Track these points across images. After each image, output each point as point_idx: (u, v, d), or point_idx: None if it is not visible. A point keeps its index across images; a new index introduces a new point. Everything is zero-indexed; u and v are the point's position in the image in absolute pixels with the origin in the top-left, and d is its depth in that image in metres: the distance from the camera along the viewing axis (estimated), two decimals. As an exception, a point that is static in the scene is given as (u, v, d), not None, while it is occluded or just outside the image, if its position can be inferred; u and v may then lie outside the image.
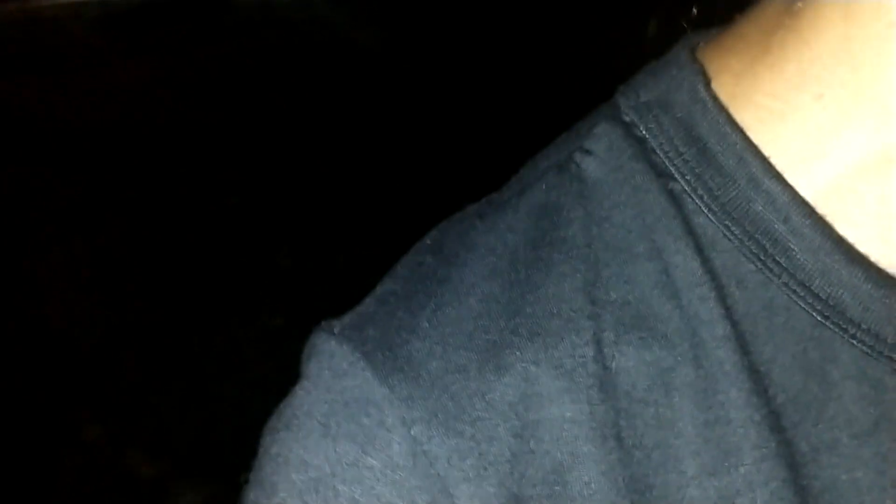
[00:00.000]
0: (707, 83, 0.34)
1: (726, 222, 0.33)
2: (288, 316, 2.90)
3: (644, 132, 0.35)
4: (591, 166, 0.35)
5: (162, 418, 2.50)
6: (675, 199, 0.33)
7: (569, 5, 5.35)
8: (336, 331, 0.33)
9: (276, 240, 3.35)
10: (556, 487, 0.30)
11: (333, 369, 0.32)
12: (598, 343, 0.32)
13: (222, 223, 3.49)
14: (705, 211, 0.33)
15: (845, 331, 0.32)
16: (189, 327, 2.87)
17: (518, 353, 0.31)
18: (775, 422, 0.31)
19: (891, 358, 0.32)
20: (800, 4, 0.32)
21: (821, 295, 0.32)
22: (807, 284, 0.32)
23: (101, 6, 6.20)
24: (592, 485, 0.30)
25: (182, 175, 3.86)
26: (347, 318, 0.34)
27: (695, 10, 0.39)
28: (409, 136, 4.15)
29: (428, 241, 0.36)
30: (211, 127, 4.32)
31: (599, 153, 0.35)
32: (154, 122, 4.40)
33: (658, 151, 0.34)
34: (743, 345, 0.32)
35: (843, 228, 0.32)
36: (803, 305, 0.32)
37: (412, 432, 0.31)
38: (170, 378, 2.65)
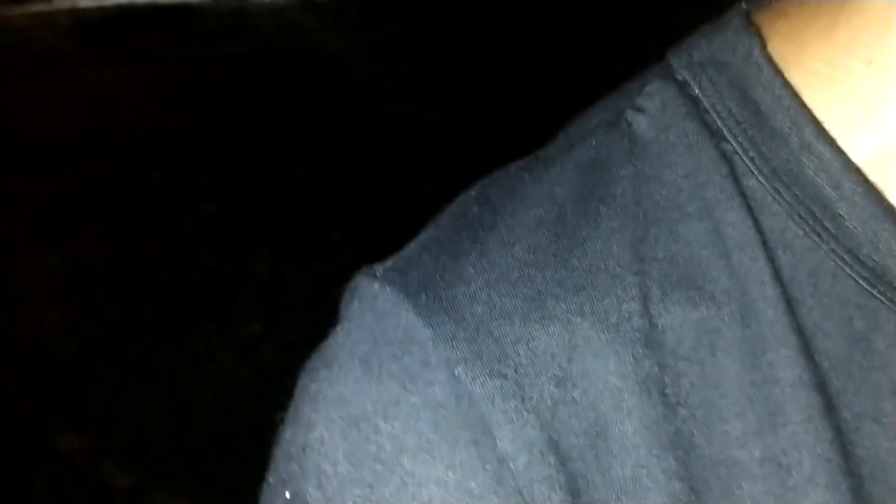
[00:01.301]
0: (762, 45, 0.34)
1: (776, 185, 0.33)
2: (264, 323, 2.89)
3: (698, 92, 0.34)
4: (642, 124, 0.35)
5: (137, 427, 2.48)
6: (726, 159, 0.33)
7: (544, 8, 5.38)
8: (378, 274, 0.33)
9: (251, 246, 3.34)
10: (598, 440, 0.30)
11: (376, 311, 0.32)
12: (644, 299, 0.32)
13: (197, 229, 3.47)
14: (756, 173, 0.33)
15: (891, 300, 0.32)
16: (164, 335, 2.85)
17: (563, 304, 0.31)
18: (822, 385, 0.31)
19: None
20: None
21: (868, 263, 0.32)
22: (854, 252, 0.32)
23: (73, 14, 6.16)
24: (636, 438, 0.30)
25: (156, 181, 3.84)
26: (390, 262, 0.34)
27: None
28: (382, 139, 4.15)
29: (472, 193, 0.35)
30: (184, 133, 4.30)
31: (652, 111, 0.35)
32: (127, 128, 4.37)
33: (711, 111, 0.34)
34: (790, 308, 0.32)
35: (891, 196, 0.32)
36: (850, 272, 0.32)
37: (455, 372, 0.30)
38: (144, 386, 2.63)
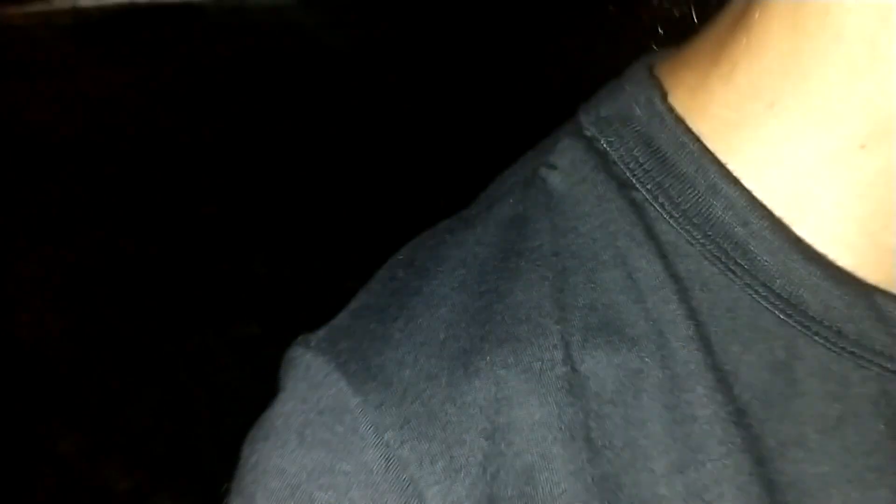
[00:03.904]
0: (664, 96, 0.36)
1: (687, 227, 0.34)
2: (264, 324, 2.89)
3: (605, 145, 0.36)
4: (556, 180, 0.36)
5: (137, 429, 2.48)
6: (637, 207, 0.35)
7: (541, 10, 5.38)
8: (312, 344, 0.34)
9: (252, 248, 3.34)
10: (527, 488, 0.31)
11: (309, 381, 0.33)
12: (566, 347, 0.33)
13: (197, 231, 3.47)
14: (667, 217, 0.34)
15: (808, 328, 0.33)
16: (164, 336, 2.85)
17: (488, 358, 0.32)
18: (741, 418, 0.32)
19: (853, 353, 0.33)
20: (755, 15, 0.34)
21: (782, 294, 0.33)
22: (768, 285, 0.33)
23: (73, 14, 6.17)
24: (562, 485, 0.31)
25: (156, 183, 3.84)
26: (322, 332, 0.35)
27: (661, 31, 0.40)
28: (381, 139, 4.15)
29: (400, 256, 0.37)
30: (184, 134, 4.30)
31: (563, 167, 0.36)
32: (126, 129, 4.37)
33: (619, 163, 0.36)
34: (707, 345, 0.33)
35: (800, 230, 0.34)
36: (766, 305, 0.33)
37: (385, 438, 0.32)
38: (144, 388, 2.63)
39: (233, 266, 3.23)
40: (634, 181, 0.35)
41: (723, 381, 0.32)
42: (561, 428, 0.32)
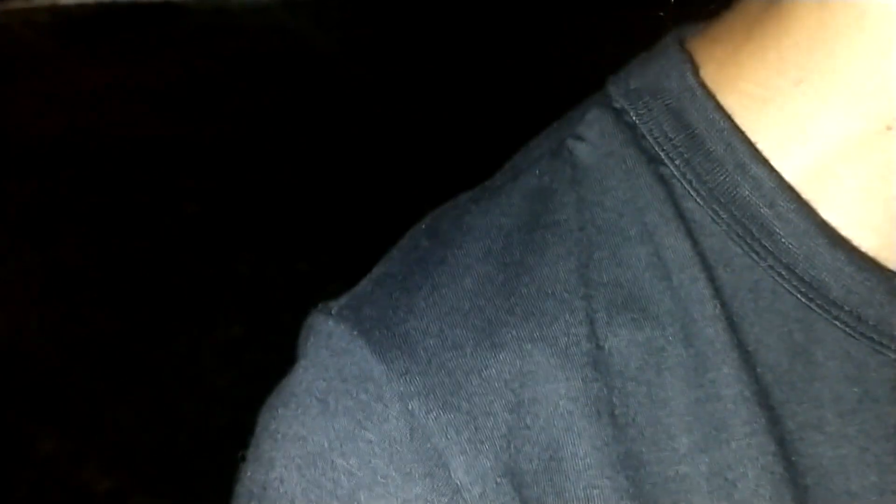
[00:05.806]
0: (695, 71, 0.36)
1: (714, 206, 0.34)
2: (247, 325, 2.87)
3: (634, 118, 0.36)
4: (583, 152, 0.36)
5: (118, 431, 2.47)
6: (665, 183, 0.34)
7: (534, 6, 5.40)
8: (333, 311, 0.34)
9: (235, 248, 3.32)
10: (552, 463, 0.31)
11: (331, 348, 0.33)
12: (591, 323, 0.33)
13: (180, 231, 3.45)
14: (694, 195, 0.34)
15: (829, 312, 0.33)
16: (146, 337, 2.83)
17: (513, 331, 0.32)
18: (764, 399, 0.32)
19: (872, 339, 0.33)
20: None
21: (805, 278, 0.33)
22: (791, 267, 0.33)
23: (52, 12, 6.11)
24: (587, 460, 0.31)
25: (138, 182, 3.82)
26: (344, 300, 0.35)
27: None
28: (367, 141, 4.14)
29: (423, 226, 0.37)
30: (167, 133, 4.28)
31: (591, 139, 0.36)
32: (108, 128, 4.34)
33: (648, 137, 0.35)
34: (732, 324, 0.33)
35: (826, 212, 0.34)
36: (788, 288, 0.33)
37: (409, 407, 0.31)
38: (126, 390, 2.61)
39: (216, 267, 3.21)
40: (663, 156, 0.35)
41: (747, 361, 0.32)
42: (586, 404, 0.31)
